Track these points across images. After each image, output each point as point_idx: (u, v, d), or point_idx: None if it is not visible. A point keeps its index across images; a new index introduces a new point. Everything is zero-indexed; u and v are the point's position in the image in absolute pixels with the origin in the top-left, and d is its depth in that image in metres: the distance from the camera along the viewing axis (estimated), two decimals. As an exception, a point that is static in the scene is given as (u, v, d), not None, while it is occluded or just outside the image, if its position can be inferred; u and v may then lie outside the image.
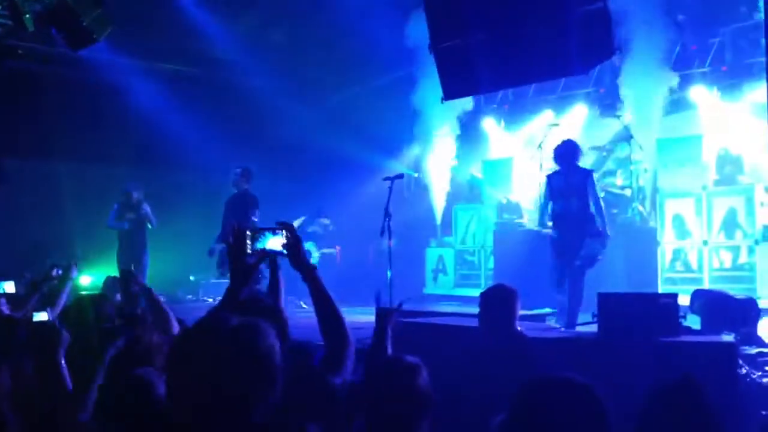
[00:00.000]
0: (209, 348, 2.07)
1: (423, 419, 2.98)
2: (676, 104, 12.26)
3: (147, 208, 12.11)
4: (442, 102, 6.37)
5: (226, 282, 8.99)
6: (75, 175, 14.69)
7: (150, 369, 2.97)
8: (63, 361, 3.41)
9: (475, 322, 5.47)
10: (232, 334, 2.09)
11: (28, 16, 9.51)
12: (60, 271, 6.03)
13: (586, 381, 2.37)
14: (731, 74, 11.51)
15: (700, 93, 11.83)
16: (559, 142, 8.67)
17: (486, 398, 4.31)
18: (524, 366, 4.91)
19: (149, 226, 12.14)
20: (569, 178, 8.30)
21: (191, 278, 15.37)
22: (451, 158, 15.07)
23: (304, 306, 14.22)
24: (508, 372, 4.76)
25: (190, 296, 14.65)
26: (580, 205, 8.19)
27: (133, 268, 10.92)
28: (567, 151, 8.39)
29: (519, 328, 5.28)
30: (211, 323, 2.22)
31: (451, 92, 6.25)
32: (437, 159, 15.09)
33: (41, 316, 4.11)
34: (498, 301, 5.19)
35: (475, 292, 13.06)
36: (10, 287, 6.29)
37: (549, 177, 8.67)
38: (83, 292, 11.71)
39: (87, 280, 13.52)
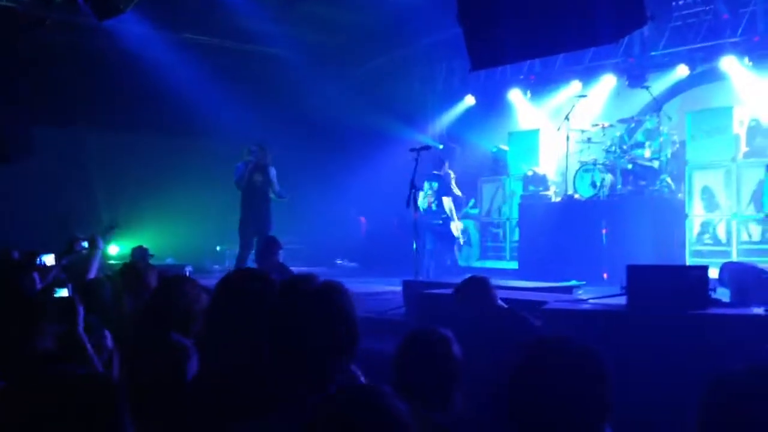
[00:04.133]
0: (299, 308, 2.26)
1: (456, 389, 3.01)
2: (707, 75, 12.09)
3: (274, 172, 10.63)
4: (470, 72, 6.32)
5: (251, 253, 8.93)
6: (101, 144, 14.78)
7: (186, 340, 2.96)
8: (83, 333, 3.43)
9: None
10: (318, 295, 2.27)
11: (56, -13, 9.53)
12: (83, 244, 6.09)
13: (580, 340, 2.39)
14: (763, 44, 11.30)
15: (731, 63, 11.63)
16: None
17: (495, 369, 4.35)
18: (523, 335, 4.94)
19: (272, 196, 10.66)
20: None
21: (217, 248, 15.47)
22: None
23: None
24: (510, 344, 4.79)
25: (217, 266, 14.74)
26: None
27: (258, 236, 10.33)
28: None
29: (503, 305, 5.36)
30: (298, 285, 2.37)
31: (479, 62, 6.17)
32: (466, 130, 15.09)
33: (62, 293, 4.13)
34: (466, 292, 5.30)
35: (501, 264, 13.19)
36: (50, 260, 6.30)
37: None
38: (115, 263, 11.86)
39: (114, 249, 13.67)
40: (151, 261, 9.32)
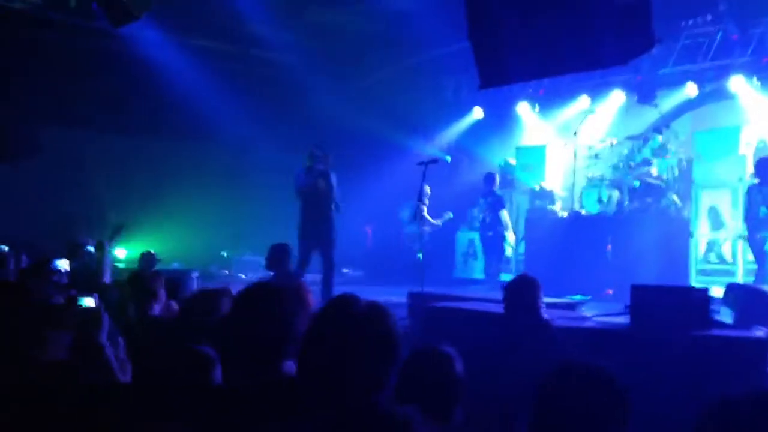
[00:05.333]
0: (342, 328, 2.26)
1: (457, 405, 3.09)
2: (716, 94, 12.12)
3: (335, 178, 9.87)
4: (479, 90, 6.38)
5: (258, 259, 8.92)
6: (108, 147, 14.78)
7: (208, 348, 2.99)
8: (107, 343, 3.44)
9: (501, 308, 5.52)
10: (364, 316, 2.29)
11: (71, -10, 9.60)
12: (89, 248, 6.14)
13: (607, 368, 2.48)
14: (773, 65, 11.34)
15: (739, 83, 11.66)
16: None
17: (511, 383, 4.39)
18: (551, 353, 4.96)
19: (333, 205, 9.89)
20: (763, 188, 9.65)
21: (224, 254, 15.49)
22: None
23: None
24: (533, 359, 4.83)
25: (224, 272, 14.75)
26: None
27: (320, 249, 9.65)
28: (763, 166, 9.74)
29: (545, 317, 5.32)
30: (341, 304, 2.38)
31: (488, 80, 6.21)
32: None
33: (88, 302, 4.12)
34: (519, 290, 5.27)
35: (506, 278, 13.17)
36: (65, 265, 6.32)
37: (750, 188, 9.89)
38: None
39: (122, 252, 13.72)
40: (158, 266, 9.40)
